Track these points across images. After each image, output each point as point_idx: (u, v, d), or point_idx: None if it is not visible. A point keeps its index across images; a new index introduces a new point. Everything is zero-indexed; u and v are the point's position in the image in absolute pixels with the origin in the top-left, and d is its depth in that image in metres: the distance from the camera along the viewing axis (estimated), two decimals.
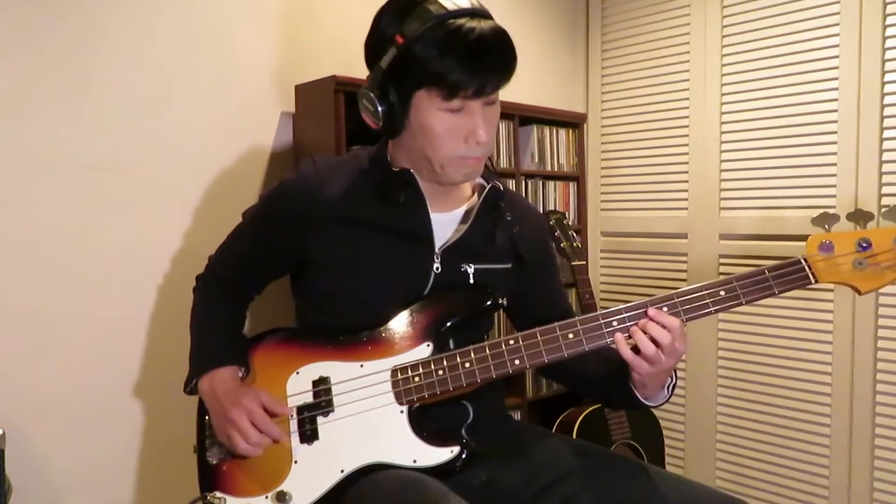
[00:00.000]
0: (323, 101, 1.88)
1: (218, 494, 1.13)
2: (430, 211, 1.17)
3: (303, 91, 1.98)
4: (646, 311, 1.07)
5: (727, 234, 2.50)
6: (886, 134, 2.12)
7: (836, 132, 2.21)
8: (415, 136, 1.10)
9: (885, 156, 2.13)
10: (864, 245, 1.06)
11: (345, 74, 1.87)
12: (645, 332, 1.05)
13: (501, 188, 1.23)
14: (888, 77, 2.11)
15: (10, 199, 1.56)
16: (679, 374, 2.62)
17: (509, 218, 1.25)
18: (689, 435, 2.63)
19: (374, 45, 1.09)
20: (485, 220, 1.22)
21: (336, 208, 1.15)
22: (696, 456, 2.61)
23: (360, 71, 2.07)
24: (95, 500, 1.70)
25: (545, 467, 1.17)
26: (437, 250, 1.17)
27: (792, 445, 2.35)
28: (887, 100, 2.11)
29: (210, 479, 1.16)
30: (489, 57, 1.04)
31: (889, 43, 2.10)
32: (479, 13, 1.06)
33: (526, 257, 1.26)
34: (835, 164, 2.22)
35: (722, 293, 1.07)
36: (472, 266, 1.19)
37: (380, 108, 1.08)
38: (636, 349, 1.07)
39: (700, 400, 2.59)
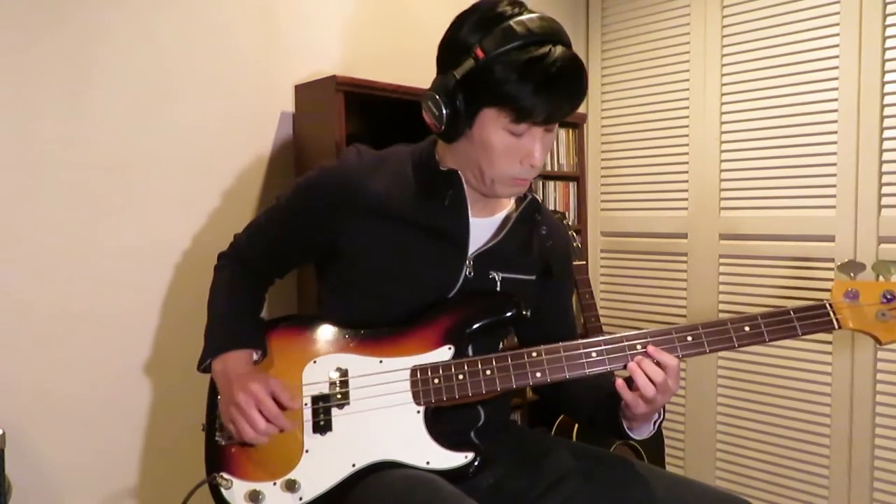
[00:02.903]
0: (323, 101, 1.88)
1: (225, 476, 1.11)
2: (469, 214, 1.17)
3: (303, 91, 1.98)
4: (646, 348, 1.08)
5: (727, 234, 2.50)
6: (886, 134, 2.12)
7: (836, 132, 2.21)
8: (472, 146, 1.10)
9: (885, 156, 2.13)
10: (889, 297, 1.09)
11: (345, 74, 1.88)
12: (643, 370, 1.06)
13: (540, 200, 1.25)
14: (888, 77, 2.11)
15: (10, 198, 1.56)
16: (679, 374, 2.62)
17: (544, 231, 1.25)
18: (689, 435, 2.63)
19: (451, 51, 1.08)
20: (520, 229, 1.22)
21: (377, 202, 1.14)
22: (696, 456, 2.61)
23: (361, 71, 2.08)
24: (95, 500, 1.70)
25: (550, 470, 1.17)
26: (469, 255, 1.17)
27: (792, 445, 2.35)
28: (887, 100, 2.11)
29: (218, 460, 1.15)
30: (564, 90, 1.04)
31: (889, 43, 2.10)
32: (560, 39, 1.05)
33: (555, 271, 1.27)
34: (835, 165, 2.22)
35: (746, 328, 1.09)
36: (501, 274, 1.19)
37: (445, 113, 1.07)
38: (628, 381, 1.08)
39: (700, 400, 2.59)
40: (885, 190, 2.13)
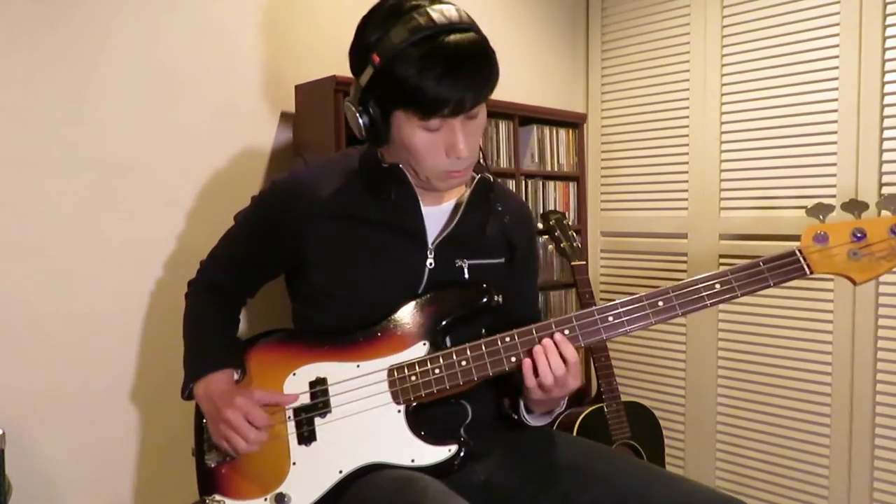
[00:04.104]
0: (323, 101, 1.88)
1: (217, 497, 1.13)
2: (421, 205, 1.17)
3: (303, 91, 1.98)
4: (552, 336, 1.08)
5: (727, 234, 2.50)
6: (886, 134, 2.12)
7: (836, 132, 2.21)
8: (397, 148, 1.11)
9: (885, 156, 2.13)
10: (859, 235, 1.05)
11: (345, 74, 1.86)
12: (546, 359, 1.06)
13: (491, 179, 1.23)
14: (888, 77, 2.11)
15: (9, 198, 1.56)
16: (679, 373, 2.63)
17: (500, 208, 1.24)
18: (689, 435, 2.63)
19: (355, 59, 1.09)
20: (476, 212, 1.22)
21: (329, 207, 1.15)
22: (696, 456, 2.61)
23: None
24: (95, 500, 1.70)
25: (544, 466, 1.17)
26: (430, 245, 1.18)
27: (792, 445, 2.35)
28: (887, 100, 2.11)
29: (209, 482, 1.16)
30: (465, 76, 1.01)
31: (889, 43, 2.10)
32: (458, 27, 1.02)
33: (518, 246, 1.26)
34: (835, 165, 2.22)
35: (717, 286, 1.07)
36: (467, 261, 1.19)
37: (361, 122, 1.08)
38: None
39: (700, 400, 2.59)
40: (885, 190, 2.13)
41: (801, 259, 1.07)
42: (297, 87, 2.00)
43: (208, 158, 1.86)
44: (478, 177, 1.21)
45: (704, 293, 1.07)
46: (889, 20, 2.10)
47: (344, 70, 1.95)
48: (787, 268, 1.07)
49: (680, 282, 1.10)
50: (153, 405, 1.78)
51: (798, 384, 2.33)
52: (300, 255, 1.18)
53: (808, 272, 1.06)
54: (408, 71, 1.00)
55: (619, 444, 2.19)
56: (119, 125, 1.70)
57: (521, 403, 1.18)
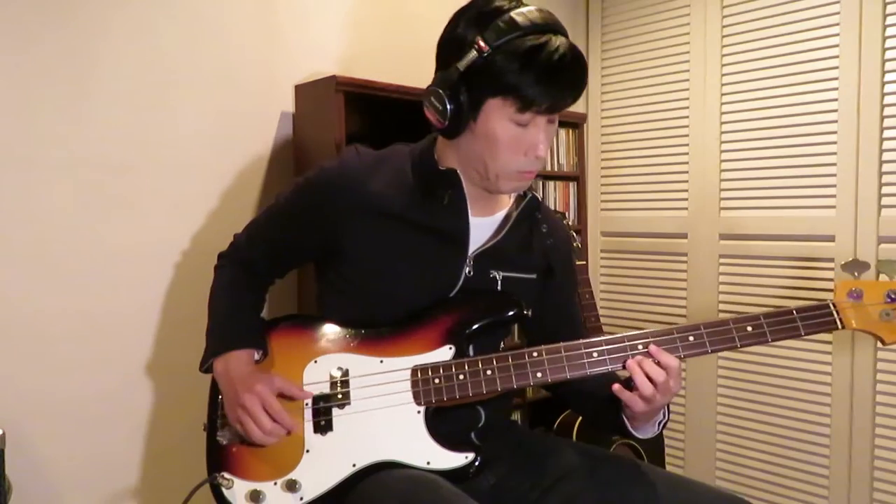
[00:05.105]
0: (323, 101, 1.88)
1: (226, 475, 1.11)
2: (469, 214, 1.17)
3: (303, 91, 1.98)
4: (648, 347, 1.09)
5: (727, 234, 2.50)
6: (886, 134, 2.12)
7: (836, 132, 2.22)
8: (476, 140, 1.10)
9: (885, 156, 2.13)
10: (893, 297, 1.08)
11: (345, 74, 1.87)
12: (642, 369, 1.06)
13: (539, 199, 1.25)
14: (888, 77, 2.11)
15: (10, 199, 1.55)
16: (680, 374, 2.63)
17: (545, 229, 1.26)
18: (689, 435, 2.63)
19: (452, 46, 1.09)
20: (520, 228, 1.22)
21: (376, 202, 1.14)
22: (696, 456, 2.61)
23: (360, 71, 2.08)
24: (95, 500, 1.69)
25: (551, 470, 1.17)
26: (470, 254, 1.17)
27: (792, 445, 2.35)
28: (887, 100, 2.11)
29: (219, 459, 1.15)
30: (566, 77, 1.06)
31: (889, 43, 2.10)
32: (559, 30, 1.07)
33: (556, 270, 1.27)
34: (835, 164, 2.22)
35: (749, 328, 1.09)
36: (501, 273, 1.19)
37: (448, 108, 1.08)
38: (628, 380, 1.08)
39: (700, 400, 2.59)
40: (885, 190, 2.13)
41: (835, 313, 1.09)
42: (297, 87, 2.00)
43: (208, 158, 1.86)
44: (529, 195, 1.22)
45: (735, 334, 1.09)
46: (889, 20, 2.10)
47: (344, 70, 1.97)
48: (819, 320, 1.09)
49: (710, 321, 1.11)
50: (154, 405, 1.78)
51: (798, 384, 2.33)
52: (338, 244, 1.17)
53: (839, 326, 1.09)
54: (516, 61, 1.02)
55: (619, 444, 2.19)
56: (119, 125, 1.70)
57: (623, 417, 1.17)
